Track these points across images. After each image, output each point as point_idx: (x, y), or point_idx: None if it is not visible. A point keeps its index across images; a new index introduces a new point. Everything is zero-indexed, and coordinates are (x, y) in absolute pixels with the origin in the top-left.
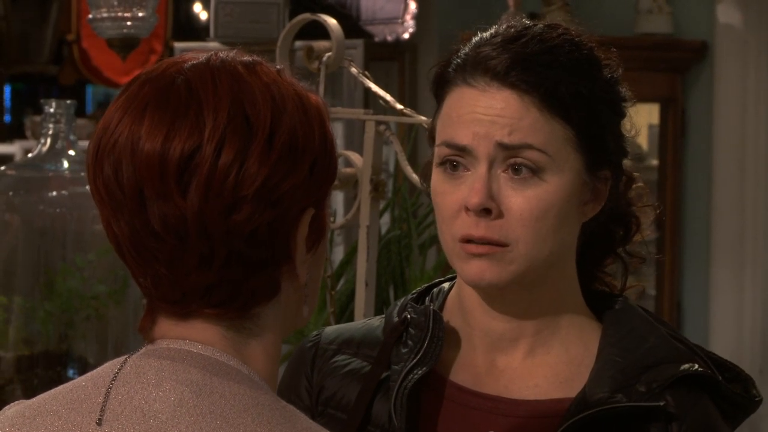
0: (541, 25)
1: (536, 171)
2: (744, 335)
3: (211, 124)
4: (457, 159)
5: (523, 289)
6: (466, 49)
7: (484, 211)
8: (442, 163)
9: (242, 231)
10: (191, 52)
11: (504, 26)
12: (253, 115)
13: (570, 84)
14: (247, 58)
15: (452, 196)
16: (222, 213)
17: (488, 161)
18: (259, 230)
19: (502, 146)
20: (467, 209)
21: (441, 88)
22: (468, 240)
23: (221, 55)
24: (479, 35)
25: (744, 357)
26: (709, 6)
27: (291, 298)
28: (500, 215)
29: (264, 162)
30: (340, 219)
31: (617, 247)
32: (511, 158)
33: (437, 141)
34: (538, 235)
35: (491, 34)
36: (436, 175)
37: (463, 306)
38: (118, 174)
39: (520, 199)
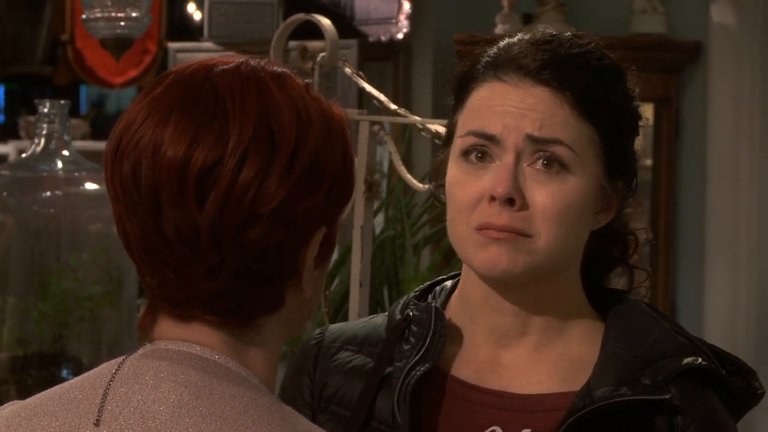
0: (569, 33)
1: (563, 166)
2: (737, 334)
3: (235, 137)
4: (483, 148)
5: (530, 285)
6: (495, 49)
7: (508, 201)
8: (466, 152)
9: (255, 247)
10: (222, 54)
11: (531, 32)
12: (279, 131)
13: (600, 88)
14: (276, 69)
15: (472, 187)
16: (236, 228)
17: (516, 153)
18: (270, 247)
19: (531, 139)
20: (492, 198)
21: (467, 84)
22: (486, 228)
23: (252, 63)
24: (506, 39)
25: (737, 355)
26: (703, 6)
27: (294, 310)
28: (524, 207)
29: (284, 182)
30: None
31: (618, 264)
32: (539, 151)
33: (460, 132)
34: (559, 231)
35: (519, 38)
36: (456, 167)
37: (468, 303)
38: (136, 175)
39: (544, 193)
